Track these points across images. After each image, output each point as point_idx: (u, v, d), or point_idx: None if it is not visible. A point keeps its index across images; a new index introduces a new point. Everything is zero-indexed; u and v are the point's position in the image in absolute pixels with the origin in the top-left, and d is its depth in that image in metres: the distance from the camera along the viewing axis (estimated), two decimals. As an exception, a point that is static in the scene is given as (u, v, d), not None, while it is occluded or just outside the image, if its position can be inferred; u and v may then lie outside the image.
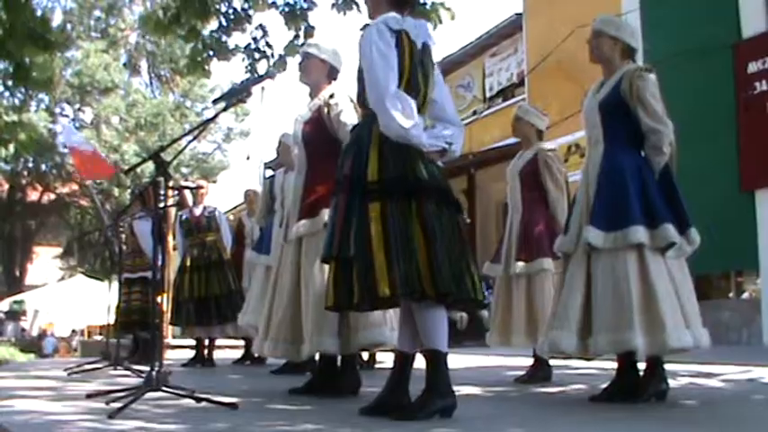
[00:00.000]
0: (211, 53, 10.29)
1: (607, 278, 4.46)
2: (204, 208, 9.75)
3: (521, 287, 6.12)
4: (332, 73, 5.51)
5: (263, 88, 21.85)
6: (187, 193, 9.67)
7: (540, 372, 6.12)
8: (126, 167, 34.04)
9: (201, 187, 9.88)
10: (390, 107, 3.83)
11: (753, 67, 11.16)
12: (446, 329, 3.91)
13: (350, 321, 5.00)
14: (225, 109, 4.90)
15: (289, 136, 7.57)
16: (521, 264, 6.12)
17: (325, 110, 5.26)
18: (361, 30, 4.07)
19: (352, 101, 5.05)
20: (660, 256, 4.45)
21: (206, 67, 10.49)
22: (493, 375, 7.11)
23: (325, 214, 4.70)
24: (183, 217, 9.64)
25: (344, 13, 10.06)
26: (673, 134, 4.59)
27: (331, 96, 5.29)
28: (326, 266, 4.29)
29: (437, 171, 3.99)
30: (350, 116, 5.09)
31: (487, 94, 20.28)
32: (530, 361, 6.39)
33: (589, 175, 4.74)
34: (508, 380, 6.35)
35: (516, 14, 18.81)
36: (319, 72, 5.47)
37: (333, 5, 10.12)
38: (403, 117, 3.83)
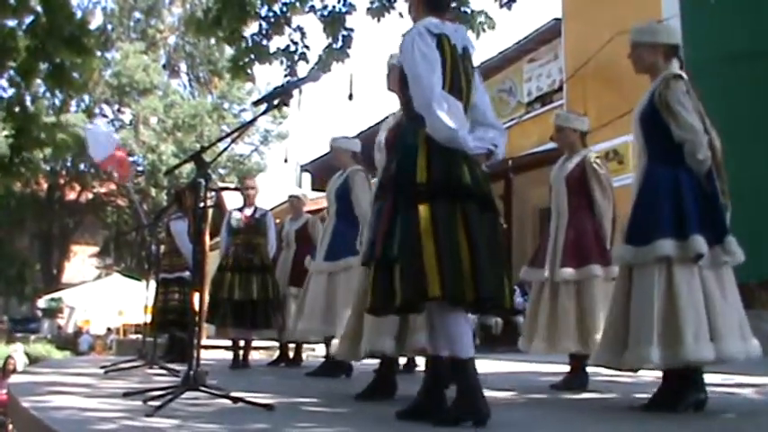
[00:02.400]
0: (253, 57, 10.35)
1: (636, 293, 4.47)
2: (255, 209, 9.48)
3: (570, 293, 6.05)
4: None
5: (300, 91, 21.91)
6: (235, 193, 9.65)
7: (576, 379, 6.06)
8: (164, 168, 34.28)
9: (252, 187, 9.63)
10: (437, 108, 3.79)
11: (796, 69, 11.01)
12: (470, 334, 3.89)
13: (409, 324, 5.02)
14: (266, 111, 4.91)
15: (341, 140, 7.63)
16: (569, 270, 6.04)
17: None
18: (403, 35, 4.06)
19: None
20: (693, 268, 4.38)
21: (249, 71, 10.55)
22: (527, 381, 7.07)
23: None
24: (234, 215, 9.46)
25: (378, 19, 10.07)
26: (711, 140, 4.51)
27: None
28: None
29: (481, 175, 3.96)
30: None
31: (526, 100, 20.21)
32: (561, 368, 6.35)
33: (634, 189, 4.73)
34: (543, 386, 6.31)
35: (555, 20, 18.70)
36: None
37: (368, 10, 10.13)
38: (450, 119, 3.80)
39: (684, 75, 4.74)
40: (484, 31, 10.05)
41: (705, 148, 4.43)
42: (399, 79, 4.17)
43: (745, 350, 4.42)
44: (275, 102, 4.80)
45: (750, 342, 4.46)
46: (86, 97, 37.52)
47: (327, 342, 7.73)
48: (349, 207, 7.26)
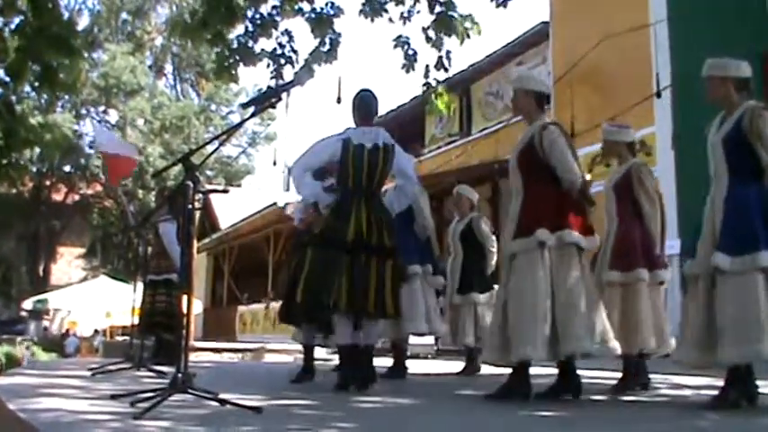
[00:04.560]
0: (238, 58, 10.33)
1: (736, 298, 4.75)
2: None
3: (615, 295, 6.26)
4: (540, 100, 5.73)
5: (288, 94, 21.87)
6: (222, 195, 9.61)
7: (630, 382, 6.27)
8: (151, 169, 34.22)
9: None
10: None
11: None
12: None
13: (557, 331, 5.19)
14: (254, 114, 4.93)
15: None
16: (616, 273, 6.28)
17: (538, 138, 5.49)
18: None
19: (562, 130, 5.59)
20: None
21: (233, 72, 10.53)
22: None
23: (540, 233, 5.25)
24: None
25: (372, 20, 10.10)
26: None
27: (543, 128, 5.52)
28: (535, 278, 5.18)
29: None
30: (559, 144, 5.44)
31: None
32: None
33: (714, 205, 5.03)
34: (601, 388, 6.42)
35: (543, 23, 18.76)
36: (527, 103, 5.71)
37: (360, 12, 10.16)
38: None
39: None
40: (469, 37, 10.13)
41: None
42: None
43: None
44: (263, 105, 4.81)
45: None
46: (72, 99, 37.39)
47: None
48: None
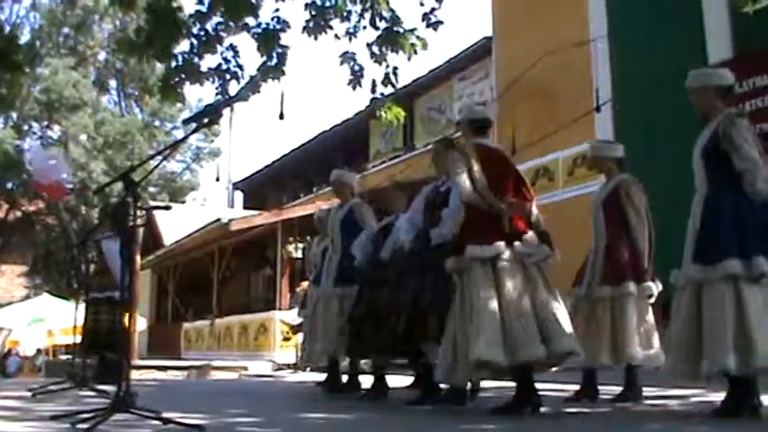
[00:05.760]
0: (183, 77, 10.23)
1: (708, 307, 4.85)
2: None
3: (606, 309, 6.39)
4: None
5: (232, 109, 21.77)
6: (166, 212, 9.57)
7: (630, 392, 6.39)
8: (94, 186, 33.84)
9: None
10: None
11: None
12: None
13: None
14: (195, 130, 4.91)
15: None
16: (606, 288, 6.39)
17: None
18: None
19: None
20: (756, 286, 4.81)
21: (179, 92, 10.40)
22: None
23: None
24: None
25: (315, 38, 10.11)
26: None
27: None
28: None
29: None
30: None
31: (457, 118, 20.35)
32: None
33: (695, 214, 5.14)
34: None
35: (486, 38, 18.90)
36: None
37: (304, 29, 10.15)
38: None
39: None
40: (416, 53, 10.18)
41: (763, 179, 4.89)
42: None
43: None
44: (205, 121, 4.80)
45: None
46: (14, 114, 36.91)
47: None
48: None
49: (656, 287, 6.43)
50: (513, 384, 5.48)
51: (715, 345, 4.71)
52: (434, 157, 6.78)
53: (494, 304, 5.24)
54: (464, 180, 5.54)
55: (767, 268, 4.76)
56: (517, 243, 5.41)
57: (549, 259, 5.55)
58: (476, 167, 5.56)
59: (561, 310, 5.43)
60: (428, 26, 10.34)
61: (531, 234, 5.51)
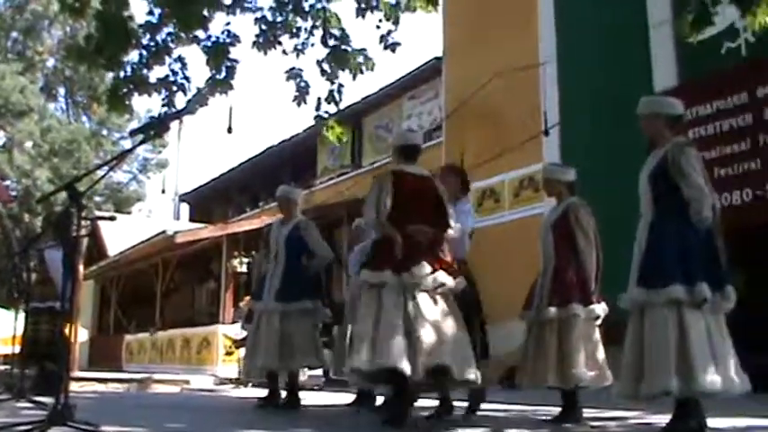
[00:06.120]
0: (132, 87, 10.16)
1: (651, 330, 4.96)
2: None
3: (553, 330, 6.44)
4: None
5: (181, 121, 21.67)
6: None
7: (571, 414, 6.44)
8: (38, 194, 33.46)
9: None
10: None
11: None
12: None
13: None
14: (142, 142, 4.91)
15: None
16: (552, 309, 6.42)
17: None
18: None
19: None
20: (698, 311, 4.92)
21: (127, 103, 10.33)
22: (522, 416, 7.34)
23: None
24: None
25: (265, 52, 10.13)
26: (713, 202, 5.09)
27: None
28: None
29: None
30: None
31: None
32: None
33: (640, 239, 5.23)
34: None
35: (436, 58, 19.01)
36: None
37: (254, 44, 10.16)
38: None
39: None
40: (362, 72, 10.24)
41: (709, 208, 5.02)
42: None
43: (741, 385, 4.97)
44: (151, 132, 4.79)
45: (744, 378, 5.01)
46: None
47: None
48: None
49: (602, 309, 6.48)
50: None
51: (658, 367, 4.81)
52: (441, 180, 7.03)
53: (367, 325, 5.57)
54: (370, 206, 5.91)
55: (709, 294, 4.86)
56: (406, 273, 5.67)
57: (447, 289, 5.83)
58: (384, 194, 5.86)
59: (445, 335, 5.65)
60: (385, 48, 10.41)
61: (422, 264, 5.71)
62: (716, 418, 5.24)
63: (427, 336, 5.51)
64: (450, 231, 6.01)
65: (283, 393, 8.03)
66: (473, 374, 5.65)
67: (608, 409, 7.14)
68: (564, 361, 6.33)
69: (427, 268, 5.71)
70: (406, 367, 5.34)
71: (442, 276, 5.75)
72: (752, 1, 6.91)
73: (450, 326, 5.69)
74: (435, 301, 5.73)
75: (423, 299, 5.67)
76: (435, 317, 5.66)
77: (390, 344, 5.40)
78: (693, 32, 7.13)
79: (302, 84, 10.42)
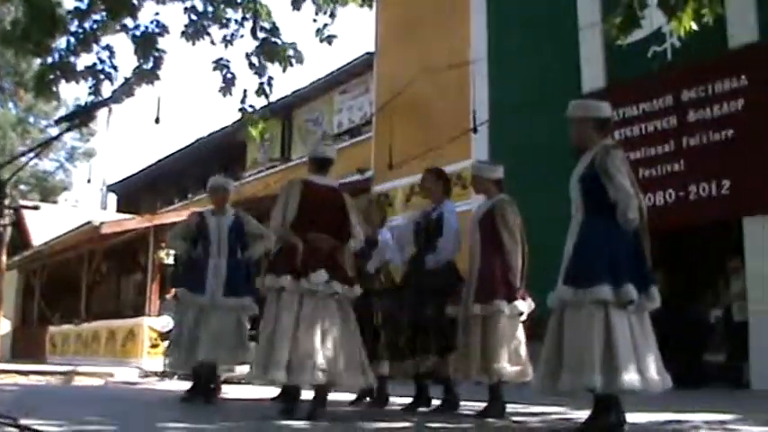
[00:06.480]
0: (59, 74, 9.99)
1: (575, 328, 5.03)
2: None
3: (477, 326, 6.55)
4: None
5: (110, 110, 21.38)
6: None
7: (495, 407, 6.51)
8: (-40, 182, 32.78)
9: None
10: None
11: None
12: None
13: None
14: (68, 130, 4.88)
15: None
16: (478, 306, 6.52)
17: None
18: None
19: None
20: (623, 311, 5.01)
21: (54, 90, 10.15)
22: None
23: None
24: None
25: (194, 43, 10.06)
26: (639, 202, 5.16)
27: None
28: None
29: None
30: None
31: (336, 131, 20.48)
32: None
33: (570, 239, 5.29)
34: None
35: (368, 54, 19.06)
36: None
37: (182, 34, 10.08)
38: None
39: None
40: (292, 65, 10.22)
41: (635, 209, 5.08)
42: None
43: (663, 383, 5.06)
44: (77, 121, 4.75)
45: (665, 376, 5.10)
46: None
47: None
48: None
49: (527, 306, 6.59)
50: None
51: (581, 363, 4.89)
52: (423, 183, 7.43)
53: (269, 328, 5.95)
54: (277, 212, 6.23)
55: (635, 295, 4.96)
56: (303, 279, 5.96)
57: (343, 296, 6.17)
58: (292, 202, 6.18)
59: (330, 340, 5.97)
60: (322, 41, 10.42)
61: (320, 272, 5.99)
62: (635, 413, 5.35)
63: (308, 341, 5.83)
64: (351, 242, 6.37)
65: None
66: (355, 380, 6.13)
67: (530, 405, 7.24)
68: (487, 356, 6.45)
69: (324, 275, 5.99)
70: (282, 378, 5.81)
71: (337, 285, 6.05)
72: (677, 6, 7.04)
73: (337, 332, 6.02)
74: (329, 308, 6.05)
75: (317, 305, 5.98)
76: (325, 323, 5.97)
77: (278, 357, 5.79)
78: (621, 35, 7.23)
79: (229, 75, 10.35)
